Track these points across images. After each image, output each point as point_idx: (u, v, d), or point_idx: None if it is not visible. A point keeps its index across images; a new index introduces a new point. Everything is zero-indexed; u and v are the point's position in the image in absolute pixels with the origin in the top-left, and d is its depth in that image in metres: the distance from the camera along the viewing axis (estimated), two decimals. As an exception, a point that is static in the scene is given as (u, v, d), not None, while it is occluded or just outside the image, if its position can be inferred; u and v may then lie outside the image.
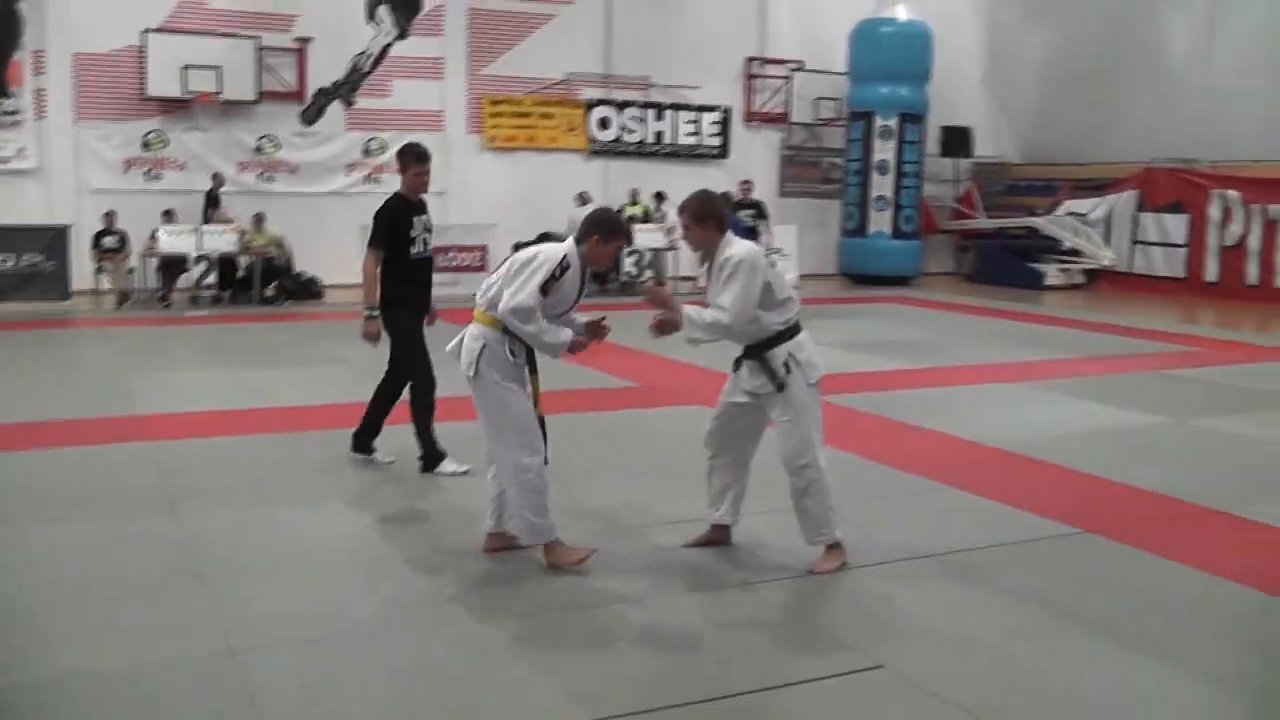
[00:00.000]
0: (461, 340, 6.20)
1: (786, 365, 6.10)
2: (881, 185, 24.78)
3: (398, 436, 8.52)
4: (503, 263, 6.27)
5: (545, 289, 5.89)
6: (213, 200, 20.28)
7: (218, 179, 20.55)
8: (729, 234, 6.16)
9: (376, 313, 8.18)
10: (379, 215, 8.17)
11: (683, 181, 23.02)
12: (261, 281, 19.29)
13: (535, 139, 23.69)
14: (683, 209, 6.24)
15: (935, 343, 15.71)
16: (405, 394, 8.48)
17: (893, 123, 24.57)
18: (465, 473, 8.06)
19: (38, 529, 6.88)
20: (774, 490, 6.54)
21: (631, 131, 24.65)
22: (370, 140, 22.32)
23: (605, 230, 6.12)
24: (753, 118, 26.01)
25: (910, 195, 24.90)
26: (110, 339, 15.11)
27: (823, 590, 6.02)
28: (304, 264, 20.16)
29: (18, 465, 8.39)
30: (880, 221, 24.79)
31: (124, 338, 15.20)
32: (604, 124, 24.41)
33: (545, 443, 6.16)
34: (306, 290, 19.85)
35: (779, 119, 26.14)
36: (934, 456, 8.98)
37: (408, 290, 8.22)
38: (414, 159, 8.21)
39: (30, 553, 6.45)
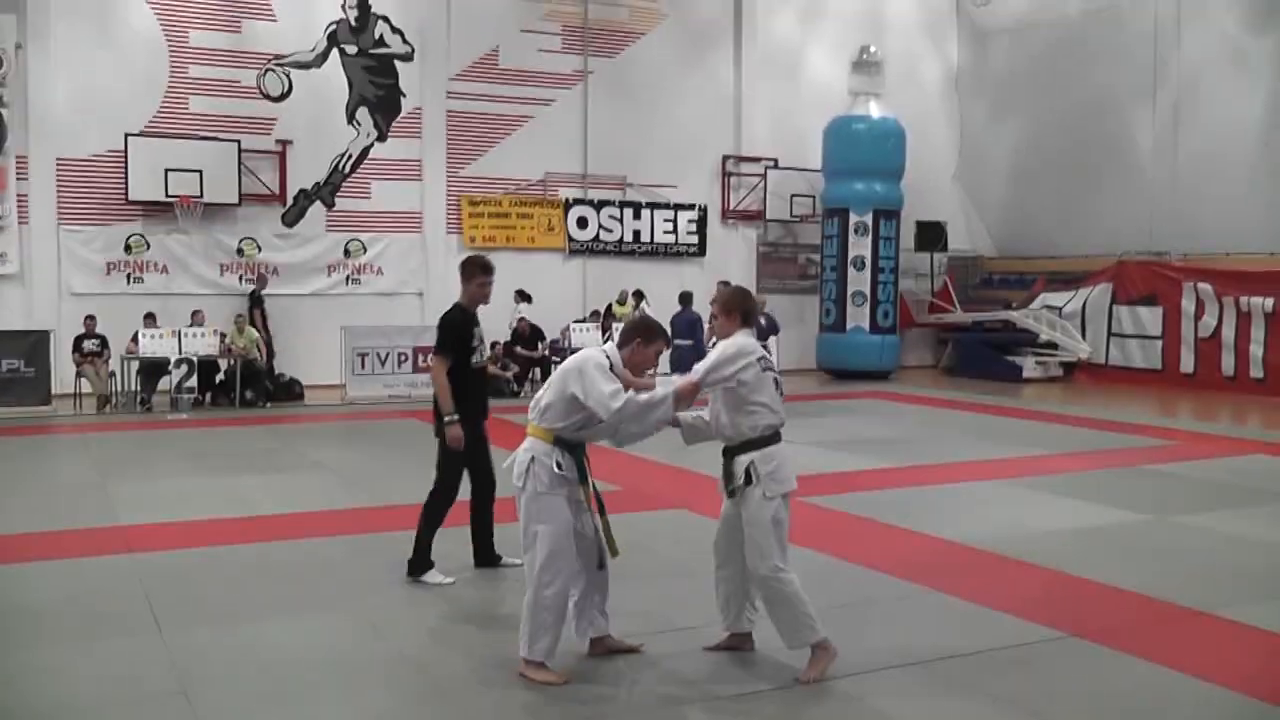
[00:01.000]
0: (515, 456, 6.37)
1: (748, 473, 6.16)
2: (858, 280, 24.98)
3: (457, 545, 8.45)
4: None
5: None
6: (257, 301, 20.49)
7: (261, 280, 20.79)
8: (748, 331, 6.38)
9: (457, 417, 8.20)
10: (444, 326, 8.36)
11: (661, 280, 23.43)
12: (241, 384, 19.28)
13: (514, 239, 23.86)
14: (715, 300, 6.62)
15: (914, 439, 15.75)
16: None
17: (868, 218, 24.83)
18: (450, 583, 8.15)
19: (20, 650, 6.81)
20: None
21: (609, 230, 24.86)
22: (350, 241, 22.48)
23: (646, 334, 6.36)
24: (729, 215, 26.28)
25: (887, 290, 25.09)
26: (91, 445, 15.05)
27: (813, 700, 5.98)
28: (284, 365, 20.19)
29: (-1, 580, 8.33)
30: (858, 316, 24.96)
31: (105, 444, 15.15)
32: (582, 223, 24.62)
33: (605, 553, 6.42)
34: (287, 391, 19.87)
35: (755, 216, 26.41)
36: (916, 558, 8.98)
37: (470, 398, 8.31)
38: (479, 270, 8.40)
39: (12, 675, 6.37)
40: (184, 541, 9.56)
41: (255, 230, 21.73)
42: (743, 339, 6.28)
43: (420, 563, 8.30)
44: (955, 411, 18.97)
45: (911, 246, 26.63)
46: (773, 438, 6.24)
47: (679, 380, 6.19)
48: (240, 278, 21.53)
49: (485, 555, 8.61)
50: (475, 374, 8.38)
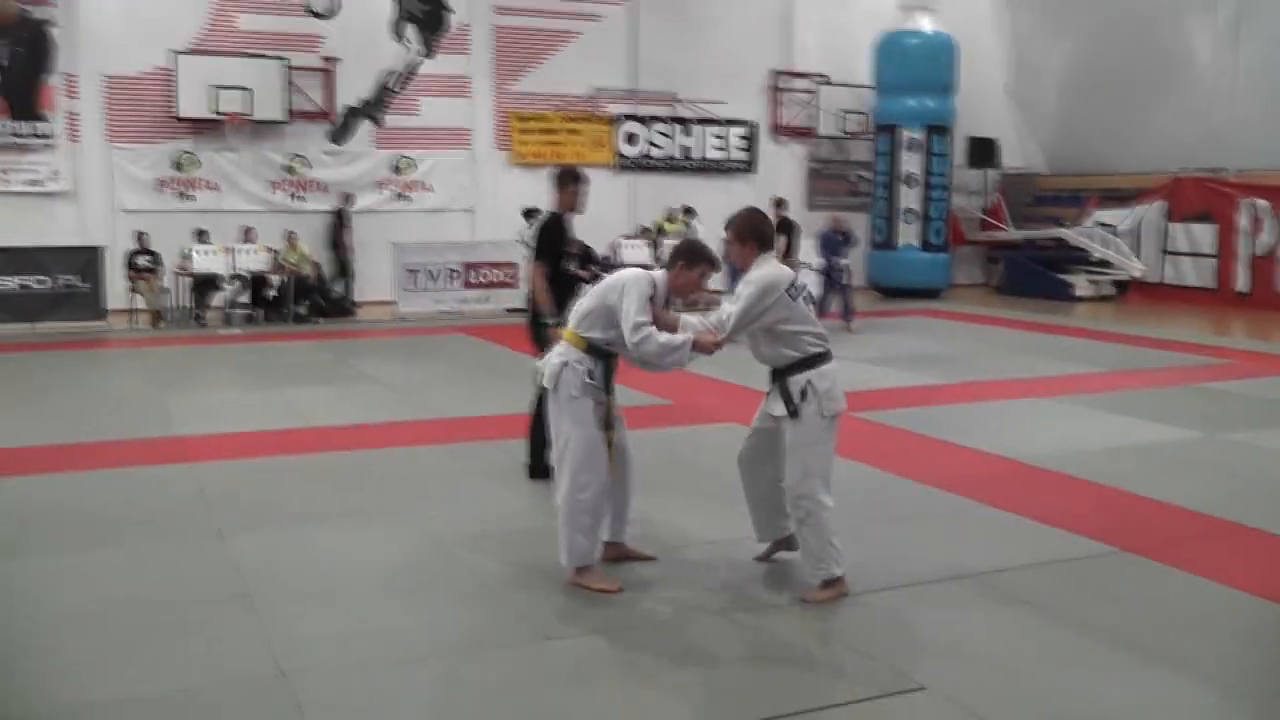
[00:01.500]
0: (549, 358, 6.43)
1: (804, 392, 6.09)
2: (909, 197, 24.82)
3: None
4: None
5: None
6: (343, 220, 20.66)
7: (348, 199, 21.11)
8: (768, 254, 6.26)
9: (558, 320, 8.09)
10: (542, 231, 8.50)
11: (710, 197, 23.32)
12: (294, 300, 19.46)
13: (563, 155, 23.73)
14: (729, 224, 6.35)
15: (965, 356, 15.73)
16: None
17: (919, 135, 24.61)
18: None
19: (85, 553, 6.98)
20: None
21: (659, 146, 24.75)
22: (400, 158, 22.47)
23: (689, 257, 6.29)
24: (779, 131, 26.09)
25: (938, 207, 24.92)
26: (145, 359, 15.26)
27: (862, 612, 6.04)
28: (337, 282, 20.32)
29: (59, 488, 8.52)
30: (908, 234, 24.83)
31: (159, 357, 15.36)
32: (631, 139, 24.52)
33: (627, 463, 6.54)
34: (339, 308, 20.02)
35: (806, 133, 26.21)
36: (967, 473, 9.01)
37: (562, 297, 8.31)
38: (571, 178, 8.55)
39: (79, 577, 6.55)
40: (241, 451, 9.70)
41: (304, 147, 21.76)
42: (763, 272, 6.11)
43: (539, 466, 8.51)
44: (1007, 329, 18.89)
45: (963, 163, 26.41)
46: (824, 355, 6.18)
47: (702, 327, 6.12)
48: (290, 195, 21.61)
49: (540, 468, 8.68)
50: (565, 280, 8.44)
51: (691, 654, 5.49)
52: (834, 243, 18.45)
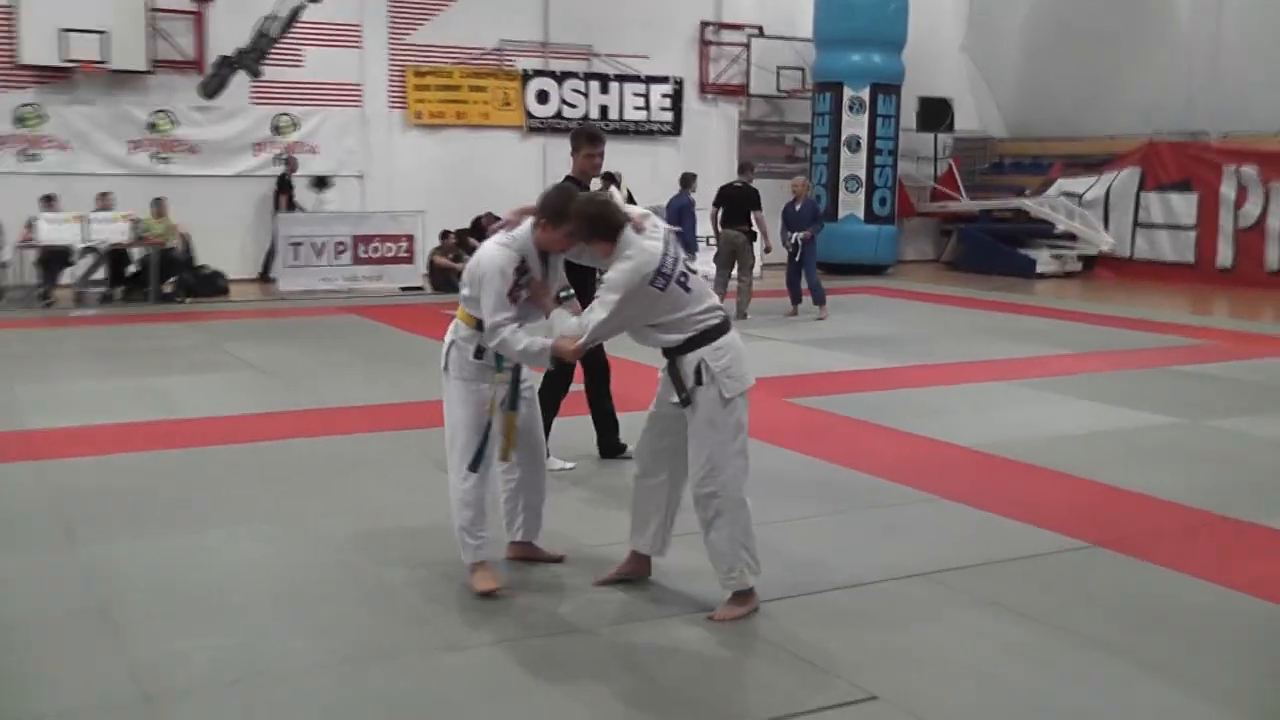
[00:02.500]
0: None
1: (698, 374, 5.83)
2: (853, 164, 24.89)
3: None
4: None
5: (512, 296, 6.03)
6: (285, 185, 20.46)
7: (290, 162, 21.08)
8: (625, 237, 5.88)
9: (571, 292, 8.19)
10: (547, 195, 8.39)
11: (632, 161, 23.08)
12: (159, 277, 19.19)
13: (466, 115, 23.68)
14: (556, 218, 6.07)
15: (916, 337, 15.84)
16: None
17: (864, 94, 24.68)
18: (570, 468, 8.70)
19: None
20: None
21: (573, 106, 24.69)
22: (280, 116, 22.25)
23: (553, 215, 6.06)
24: (708, 89, 26.13)
25: (885, 175, 25.04)
26: (-15, 344, 15.00)
27: (807, 614, 6.03)
28: (207, 256, 20.06)
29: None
30: (852, 204, 24.91)
31: (0, 342, 15.09)
32: (542, 98, 24.44)
33: (537, 451, 6.58)
34: (210, 285, 19.77)
35: (737, 91, 26.28)
36: (920, 463, 9.08)
37: (577, 276, 8.15)
38: (586, 140, 8.61)
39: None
40: (97, 448, 9.55)
41: (170, 102, 21.49)
42: (621, 271, 5.77)
43: (610, 444, 8.94)
44: (962, 308, 19.08)
45: (913, 126, 26.57)
46: (718, 328, 5.92)
47: (561, 334, 5.99)
48: (153, 156, 21.32)
49: (608, 445, 9.01)
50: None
51: (611, 664, 5.46)
52: (791, 213, 18.24)
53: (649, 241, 5.84)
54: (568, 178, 8.53)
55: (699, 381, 5.82)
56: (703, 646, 5.66)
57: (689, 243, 16.91)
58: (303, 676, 5.29)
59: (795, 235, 17.79)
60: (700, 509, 5.98)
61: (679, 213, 17.19)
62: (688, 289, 5.88)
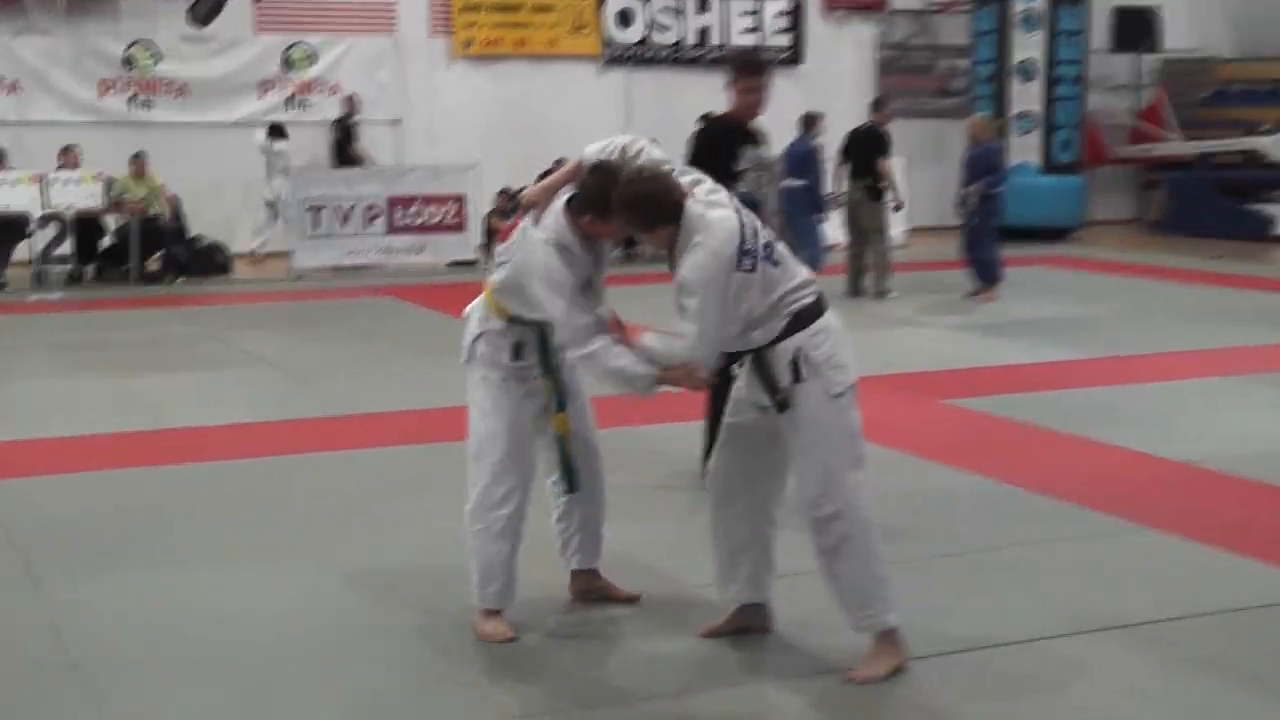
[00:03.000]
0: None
1: (795, 367, 5.73)
2: (1025, 97, 24.72)
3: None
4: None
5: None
6: (346, 133, 20.78)
7: (351, 103, 21.62)
8: (689, 215, 5.73)
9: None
10: (693, 139, 8.51)
11: (739, 98, 23.15)
12: (141, 251, 19.40)
13: (528, 42, 23.77)
14: (599, 208, 5.89)
15: (1109, 321, 15.71)
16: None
17: (1040, 4, 24.49)
18: None
19: None
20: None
21: (664, 29, 24.72)
22: (291, 47, 22.44)
23: (596, 207, 5.88)
24: (836, 5, 26.04)
25: (1068, 111, 24.84)
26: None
27: (966, 678, 5.97)
28: (202, 225, 20.24)
29: None
30: (1025, 150, 24.70)
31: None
32: (624, 19, 24.49)
33: (572, 471, 6.35)
34: (207, 262, 19.94)
35: (874, 6, 26.18)
36: (1113, 481, 8.96)
37: None
38: (741, 70, 8.58)
39: None
40: (63, 465, 9.66)
41: (150, 31, 21.75)
42: (697, 263, 5.62)
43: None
44: (1169, 283, 18.87)
45: (1106, 46, 26.32)
46: (815, 307, 5.82)
47: (662, 347, 5.81)
48: (131, 100, 21.55)
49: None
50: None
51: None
52: (965, 162, 18.07)
53: (717, 212, 5.71)
54: (722, 114, 8.63)
55: (797, 377, 5.71)
56: (821, 713, 5.64)
57: (815, 200, 16.85)
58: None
59: (964, 190, 17.65)
60: (819, 535, 5.86)
61: (800, 162, 17.05)
62: (775, 263, 5.79)
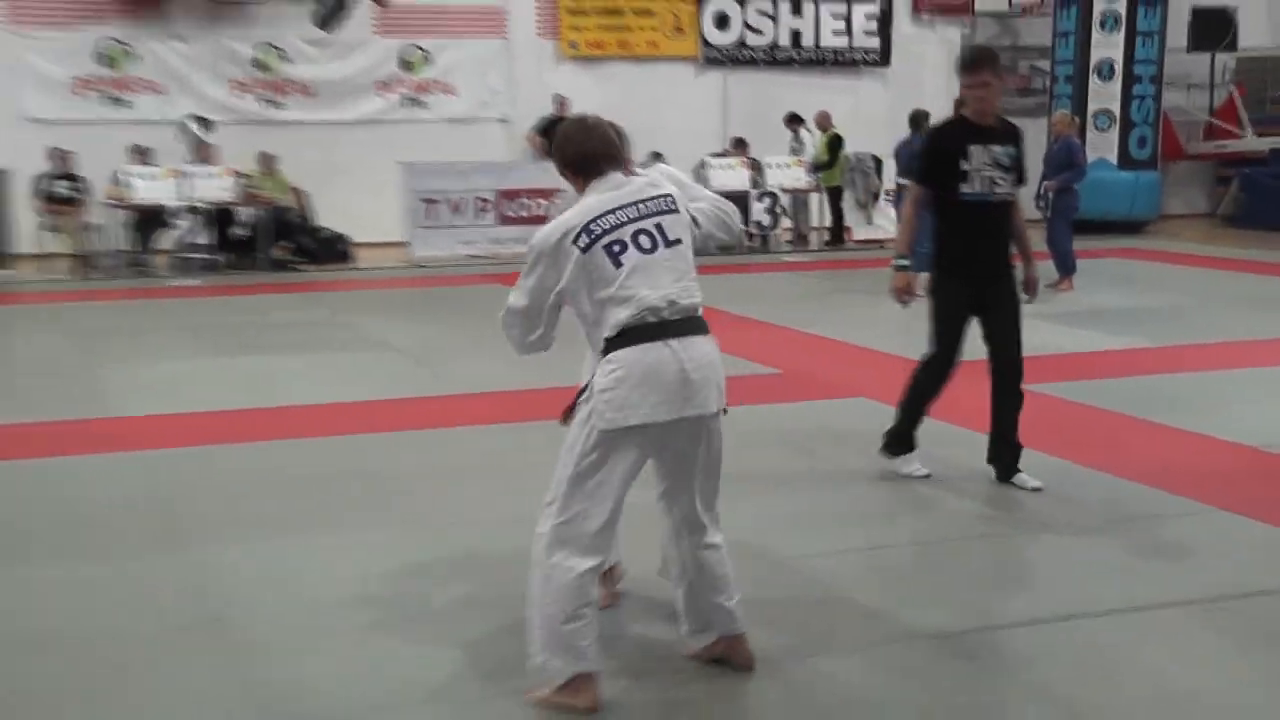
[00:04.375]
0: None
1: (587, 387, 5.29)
2: (1104, 95, 24.52)
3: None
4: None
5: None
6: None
7: (562, 103, 21.12)
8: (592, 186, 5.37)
9: (904, 263, 8.34)
10: (926, 139, 8.50)
11: (830, 99, 23.16)
12: (271, 240, 19.65)
13: (630, 44, 23.81)
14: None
15: (1185, 311, 15.56)
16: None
17: (1119, 6, 24.28)
18: (925, 476, 8.42)
19: (9, 568, 7.04)
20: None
21: (759, 32, 24.68)
22: (409, 49, 22.56)
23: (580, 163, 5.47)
24: (923, 8, 25.92)
25: (1145, 108, 24.61)
26: (67, 319, 15.44)
27: (1057, 650, 5.98)
28: (327, 217, 20.40)
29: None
30: (1103, 146, 24.51)
31: (86, 316, 15.55)
32: (721, 22, 24.47)
33: None
34: (331, 251, 20.10)
35: (960, 10, 26.02)
36: (1191, 466, 8.90)
37: (955, 243, 8.22)
38: (961, 69, 8.26)
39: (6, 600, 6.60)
40: (203, 437, 9.77)
41: (279, 34, 21.93)
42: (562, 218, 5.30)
43: (895, 439, 8.53)
44: (1242, 274, 18.70)
45: (1183, 45, 26.04)
46: (632, 334, 5.16)
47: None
48: (260, 99, 21.73)
49: (1001, 465, 8.41)
50: (967, 210, 8.10)
51: (800, 698, 5.49)
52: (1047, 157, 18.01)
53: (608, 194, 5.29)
54: (954, 116, 8.52)
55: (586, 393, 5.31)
56: (920, 674, 5.68)
57: None
58: (435, 709, 5.42)
59: (1043, 184, 17.57)
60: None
61: (910, 162, 16.97)
62: (619, 264, 5.17)
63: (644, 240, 5.17)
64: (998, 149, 7.99)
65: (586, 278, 5.14)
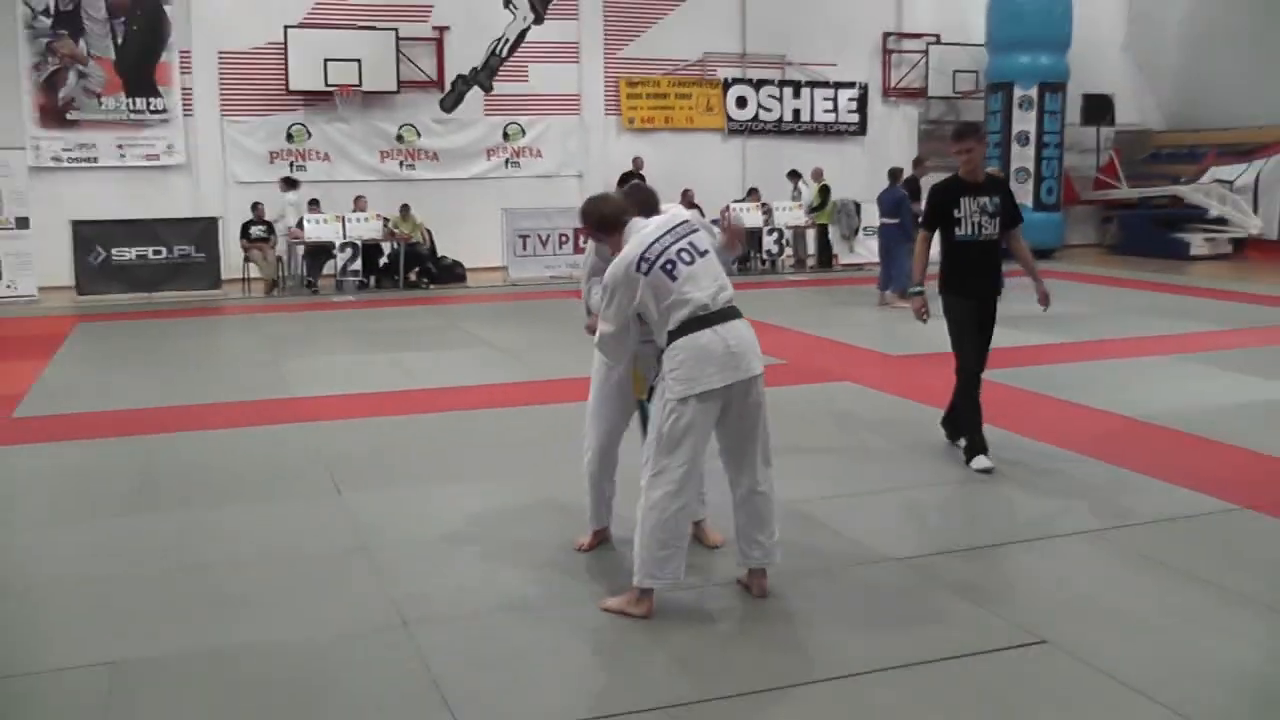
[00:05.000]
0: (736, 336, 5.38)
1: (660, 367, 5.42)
2: (1022, 157, 24.34)
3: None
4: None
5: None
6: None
7: (637, 161, 21.29)
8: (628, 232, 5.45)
9: (917, 290, 8.12)
10: (928, 195, 8.27)
11: (821, 159, 23.18)
12: (405, 267, 19.63)
13: (673, 119, 23.72)
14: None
15: (1081, 316, 15.40)
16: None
17: (1032, 93, 24.10)
18: (988, 470, 7.71)
19: (207, 509, 7.12)
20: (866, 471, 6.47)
21: (769, 110, 24.57)
22: (509, 125, 22.56)
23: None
24: (890, 93, 25.78)
25: (1051, 166, 24.43)
26: (260, 325, 15.50)
27: (981, 565, 5.98)
28: (446, 248, 20.46)
29: (183, 448, 8.68)
30: (1021, 194, 24.26)
31: (274, 324, 15.59)
32: (741, 103, 24.36)
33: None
34: (450, 274, 20.15)
35: (917, 94, 25.87)
36: (1086, 431, 8.86)
37: (956, 274, 8.04)
38: (951, 138, 8.00)
39: (204, 531, 6.69)
40: (356, 411, 9.86)
41: (414, 116, 21.95)
42: (622, 255, 5.35)
43: (970, 446, 7.94)
44: (1122, 289, 18.52)
45: (1077, 121, 25.86)
46: (689, 324, 5.26)
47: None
48: (400, 163, 21.82)
49: (952, 429, 8.34)
50: (962, 247, 7.92)
51: (820, 607, 5.46)
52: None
53: (642, 230, 5.40)
54: (952, 174, 8.00)
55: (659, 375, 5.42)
56: (881, 590, 5.63)
57: (907, 233, 16.54)
58: (533, 613, 5.40)
59: None
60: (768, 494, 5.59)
61: (893, 205, 16.74)
62: (673, 277, 5.24)
63: (685, 256, 5.27)
64: (984, 199, 7.85)
65: (653, 293, 5.23)
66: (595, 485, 6.20)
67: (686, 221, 5.43)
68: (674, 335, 5.24)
